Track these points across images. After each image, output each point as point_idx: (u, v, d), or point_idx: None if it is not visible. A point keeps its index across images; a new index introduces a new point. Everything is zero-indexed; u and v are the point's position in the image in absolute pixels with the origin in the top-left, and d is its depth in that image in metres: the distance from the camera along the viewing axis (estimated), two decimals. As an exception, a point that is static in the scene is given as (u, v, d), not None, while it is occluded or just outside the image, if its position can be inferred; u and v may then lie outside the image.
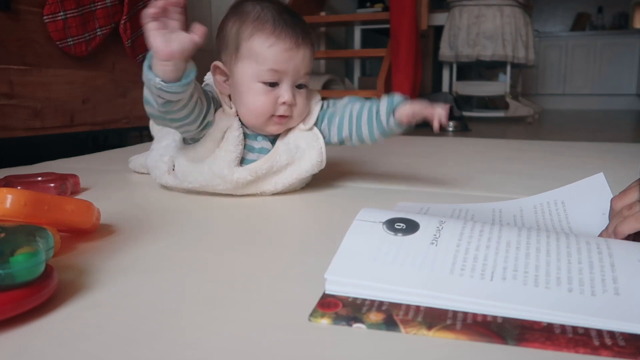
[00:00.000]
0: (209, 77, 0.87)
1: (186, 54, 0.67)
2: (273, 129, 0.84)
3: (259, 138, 0.85)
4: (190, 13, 2.17)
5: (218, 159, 0.82)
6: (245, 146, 0.84)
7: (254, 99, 0.81)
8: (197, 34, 0.66)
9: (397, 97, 0.83)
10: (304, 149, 0.86)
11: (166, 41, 0.65)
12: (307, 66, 0.82)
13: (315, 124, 0.88)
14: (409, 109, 0.79)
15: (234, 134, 0.82)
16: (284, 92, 0.80)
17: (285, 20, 0.80)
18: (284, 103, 0.81)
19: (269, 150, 0.85)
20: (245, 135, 0.84)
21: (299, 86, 0.83)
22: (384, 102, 0.83)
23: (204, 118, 0.79)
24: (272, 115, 0.82)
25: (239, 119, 0.84)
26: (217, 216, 0.77)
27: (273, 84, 0.81)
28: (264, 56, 0.79)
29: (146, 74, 0.68)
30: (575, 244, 0.47)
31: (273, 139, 0.86)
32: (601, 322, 0.38)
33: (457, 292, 0.42)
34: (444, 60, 3.10)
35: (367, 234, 0.50)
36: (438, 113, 0.76)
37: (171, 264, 0.56)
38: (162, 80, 0.67)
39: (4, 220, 0.50)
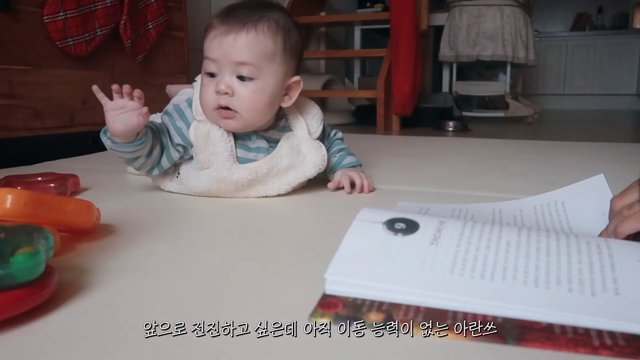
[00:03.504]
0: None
1: (131, 132, 0.76)
2: (223, 124, 0.82)
3: (253, 137, 0.85)
4: (190, 13, 2.17)
5: (215, 164, 0.83)
6: (240, 145, 0.84)
7: (201, 91, 0.82)
8: (143, 116, 0.75)
9: (347, 160, 0.94)
10: (305, 154, 0.86)
11: (114, 122, 0.75)
12: (243, 54, 0.77)
13: (320, 139, 0.89)
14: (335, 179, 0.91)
15: (217, 134, 0.82)
16: (219, 81, 0.79)
17: (239, 13, 0.79)
18: (217, 92, 0.79)
19: (266, 149, 0.85)
20: (237, 136, 0.84)
21: (242, 78, 0.79)
22: (336, 161, 0.94)
23: (166, 154, 0.84)
24: (218, 109, 0.80)
25: None
26: (217, 216, 0.77)
27: (212, 75, 0.80)
28: (204, 46, 0.80)
29: (102, 137, 0.79)
30: (575, 244, 0.47)
31: (269, 137, 0.86)
32: (601, 322, 0.38)
33: (457, 292, 0.42)
34: (444, 60, 3.10)
35: (367, 234, 0.49)
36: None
37: (171, 264, 0.56)
38: (111, 142, 0.78)
39: (4, 220, 0.50)
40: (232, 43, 0.78)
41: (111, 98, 0.76)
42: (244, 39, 0.78)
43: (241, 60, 0.78)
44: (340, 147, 0.97)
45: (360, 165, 0.96)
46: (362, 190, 0.90)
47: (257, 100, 0.80)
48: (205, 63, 0.81)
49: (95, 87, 0.77)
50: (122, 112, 0.75)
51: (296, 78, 0.85)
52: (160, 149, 0.84)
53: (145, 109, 0.75)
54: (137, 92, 0.76)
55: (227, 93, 0.78)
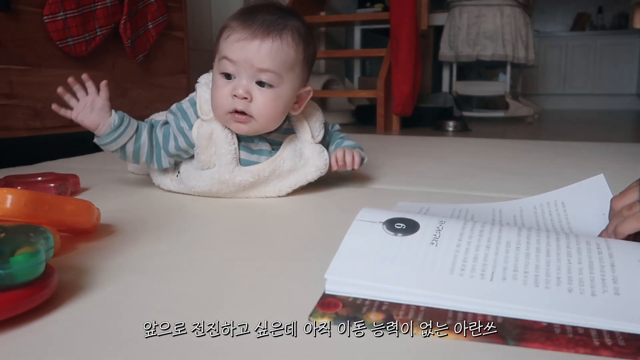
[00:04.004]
0: (203, 78, 0.87)
1: (103, 113, 0.82)
2: (234, 127, 0.81)
3: (256, 140, 0.85)
4: (190, 13, 2.17)
5: (217, 165, 0.83)
6: (243, 147, 0.84)
7: (214, 91, 0.81)
8: (102, 90, 0.82)
9: (345, 142, 0.94)
10: (307, 158, 0.86)
11: (86, 117, 0.81)
12: (266, 61, 0.77)
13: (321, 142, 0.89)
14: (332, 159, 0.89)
15: (221, 135, 0.82)
16: (237, 84, 0.78)
17: (263, 18, 0.78)
18: (235, 96, 0.78)
19: (268, 152, 0.85)
20: (241, 138, 0.84)
21: (261, 84, 0.79)
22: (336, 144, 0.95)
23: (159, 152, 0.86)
24: (232, 112, 0.79)
25: None
26: (217, 216, 0.77)
27: (229, 76, 0.79)
28: (222, 47, 0.80)
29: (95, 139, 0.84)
30: (575, 244, 0.47)
31: (272, 140, 0.86)
32: (601, 322, 0.38)
33: (457, 292, 0.42)
34: (444, 60, 3.10)
35: (367, 234, 0.50)
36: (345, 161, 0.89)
37: (171, 264, 0.56)
38: (97, 138, 0.83)
39: (4, 220, 0.50)
40: (256, 49, 0.77)
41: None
42: (269, 46, 0.77)
43: (264, 67, 0.77)
44: (340, 135, 0.97)
45: (361, 148, 0.94)
46: (346, 164, 0.88)
47: (273, 107, 0.80)
48: (222, 63, 0.79)
49: (60, 90, 0.83)
50: (89, 107, 0.82)
51: (307, 88, 0.85)
52: (150, 138, 0.84)
53: (102, 83, 0.82)
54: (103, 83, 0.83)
55: (245, 98, 0.78)
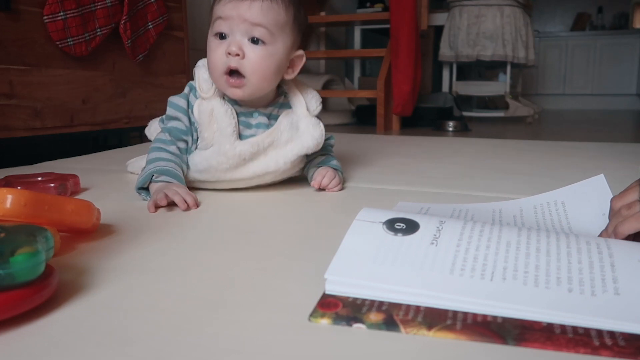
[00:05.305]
0: (202, 61, 0.89)
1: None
2: (230, 92, 0.83)
3: (255, 114, 0.87)
4: (190, 13, 2.17)
5: (219, 140, 0.84)
6: (242, 123, 0.86)
7: (210, 55, 0.83)
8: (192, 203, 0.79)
9: (333, 161, 0.94)
10: (304, 129, 0.88)
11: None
12: (259, 16, 0.79)
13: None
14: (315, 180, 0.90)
15: (221, 110, 0.84)
16: (230, 41, 0.80)
17: None
18: (229, 54, 0.80)
19: (266, 125, 0.87)
20: (240, 113, 0.86)
21: (254, 41, 0.81)
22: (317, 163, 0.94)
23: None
24: (227, 75, 0.81)
25: (223, 97, 0.86)
26: (217, 216, 0.77)
27: (223, 36, 0.81)
28: (215, 10, 0.82)
29: (138, 192, 0.84)
30: (575, 244, 0.47)
31: (269, 114, 0.88)
32: (601, 322, 0.38)
33: (457, 292, 0.42)
34: (444, 60, 3.10)
35: (367, 234, 0.50)
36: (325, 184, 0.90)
37: (171, 264, 0.56)
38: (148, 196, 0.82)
39: (4, 220, 0.50)
40: (248, 6, 0.80)
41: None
42: (260, 3, 0.80)
43: (257, 21, 0.80)
44: (331, 152, 0.98)
45: (341, 172, 0.96)
46: (325, 188, 0.91)
47: (266, 64, 0.82)
48: (216, 24, 0.81)
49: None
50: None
51: (300, 52, 0.87)
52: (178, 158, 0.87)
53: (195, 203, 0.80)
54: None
55: (237, 55, 0.80)
